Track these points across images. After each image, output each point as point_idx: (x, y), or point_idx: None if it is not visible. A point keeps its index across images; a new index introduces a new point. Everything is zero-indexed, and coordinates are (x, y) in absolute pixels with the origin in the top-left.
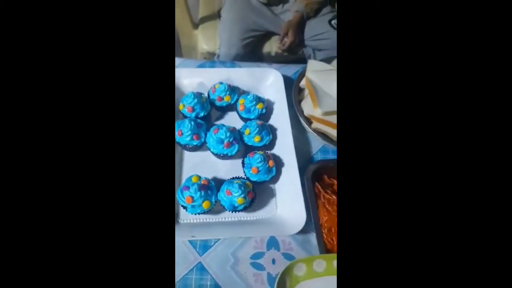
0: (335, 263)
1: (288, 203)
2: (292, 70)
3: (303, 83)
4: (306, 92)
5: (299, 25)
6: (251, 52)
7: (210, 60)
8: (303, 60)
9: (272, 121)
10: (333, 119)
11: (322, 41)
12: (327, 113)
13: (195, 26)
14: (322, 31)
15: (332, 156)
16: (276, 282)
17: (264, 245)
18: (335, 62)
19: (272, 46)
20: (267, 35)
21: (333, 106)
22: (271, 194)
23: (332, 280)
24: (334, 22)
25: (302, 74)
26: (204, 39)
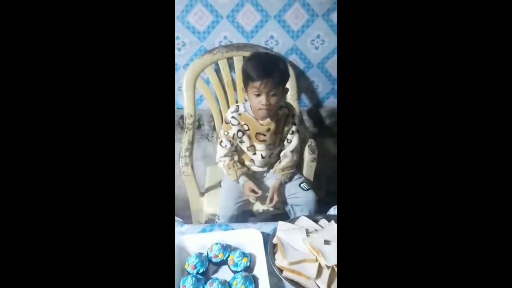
0: None
1: None
2: (269, 227)
3: (275, 240)
4: (277, 246)
5: (280, 189)
6: (243, 212)
7: (213, 219)
8: (285, 214)
9: (255, 272)
10: (299, 267)
11: (297, 199)
12: (292, 263)
13: (202, 194)
14: (295, 191)
15: None
16: None
17: None
18: (298, 222)
19: (258, 206)
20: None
21: (296, 257)
22: None
23: None
24: (303, 185)
25: (274, 231)
26: (209, 204)
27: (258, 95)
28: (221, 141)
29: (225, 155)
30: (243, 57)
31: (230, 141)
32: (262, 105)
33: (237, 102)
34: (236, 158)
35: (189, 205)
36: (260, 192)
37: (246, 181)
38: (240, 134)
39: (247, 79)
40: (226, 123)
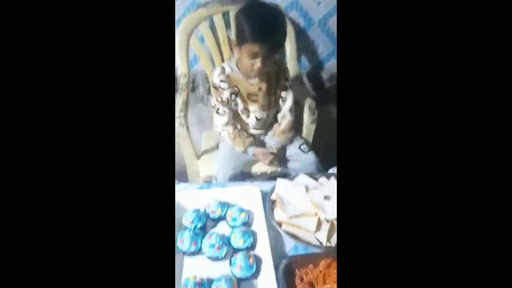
0: None
1: None
2: (268, 186)
3: (273, 196)
4: (276, 202)
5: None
6: (242, 173)
7: (209, 182)
8: (283, 175)
9: (254, 226)
10: (298, 221)
11: (297, 161)
12: (292, 217)
13: (198, 157)
14: (295, 153)
15: (302, 252)
16: None
17: None
18: (297, 179)
19: (256, 168)
20: (254, 161)
21: (296, 211)
22: (253, 287)
23: None
24: (302, 147)
25: (273, 189)
26: (205, 167)
27: (253, 58)
28: (218, 109)
29: (227, 124)
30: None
31: (226, 106)
32: (256, 68)
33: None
34: (239, 126)
35: (185, 168)
36: (273, 155)
37: (255, 150)
38: (233, 97)
39: (243, 37)
40: (216, 88)
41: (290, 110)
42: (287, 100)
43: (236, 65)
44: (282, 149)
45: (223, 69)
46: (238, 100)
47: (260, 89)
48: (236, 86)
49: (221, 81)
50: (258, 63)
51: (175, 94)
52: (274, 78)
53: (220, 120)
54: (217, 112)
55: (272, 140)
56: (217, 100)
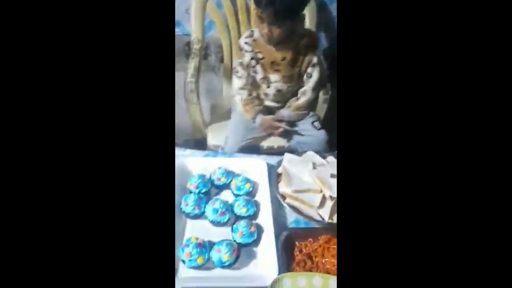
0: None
1: (265, 261)
2: (274, 160)
3: (280, 169)
4: (282, 175)
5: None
6: (249, 147)
7: (215, 151)
8: (290, 151)
9: (257, 197)
10: (302, 196)
11: (308, 137)
12: (296, 191)
13: (206, 125)
14: (307, 129)
15: (303, 226)
16: None
17: None
18: (305, 155)
19: (264, 143)
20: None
21: (301, 186)
22: (253, 254)
23: None
24: (315, 123)
25: (280, 163)
26: (212, 137)
27: (261, 22)
28: (237, 71)
29: (243, 88)
30: None
31: (245, 70)
32: (263, 33)
33: None
34: (255, 94)
35: (192, 136)
36: (281, 127)
37: (263, 118)
38: (253, 62)
39: (259, 2)
40: (240, 49)
41: (313, 88)
42: (313, 77)
43: None
44: (292, 124)
45: (252, 32)
46: (259, 68)
47: (284, 58)
48: (260, 52)
49: (246, 43)
50: (264, 28)
51: (188, 62)
52: (303, 51)
53: (237, 83)
54: (235, 75)
55: (285, 111)
56: (238, 63)
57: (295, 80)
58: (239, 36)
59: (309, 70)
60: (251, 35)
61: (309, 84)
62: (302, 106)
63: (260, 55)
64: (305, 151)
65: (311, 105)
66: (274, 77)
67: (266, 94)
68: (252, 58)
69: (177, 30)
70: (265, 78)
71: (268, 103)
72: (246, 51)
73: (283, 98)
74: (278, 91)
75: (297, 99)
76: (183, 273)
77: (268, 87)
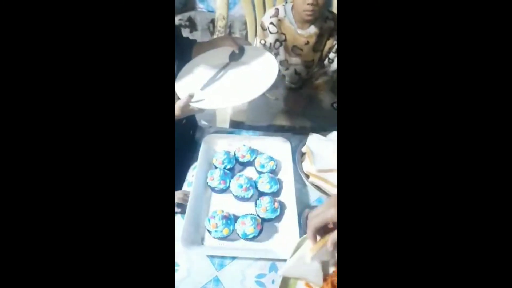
0: None
1: (287, 236)
2: (298, 139)
3: (304, 148)
4: (306, 155)
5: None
6: (271, 126)
7: (239, 128)
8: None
9: (280, 175)
10: (326, 175)
11: (325, 118)
12: (320, 170)
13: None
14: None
15: None
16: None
17: (267, 268)
18: (329, 135)
19: (285, 123)
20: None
21: (325, 165)
22: (275, 228)
23: None
24: (335, 105)
25: (304, 142)
26: (233, 114)
27: None
28: None
29: None
30: None
31: (268, 51)
32: (308, 4)
33: None
34: None
35: (214, 111)
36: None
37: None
38: (277, 44)
39: None
40: (264, 29)
41: (333, 73)
42: (334, 63)
43: (292, 9)
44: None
45: (277, 11)
46: (281, 50)
47: (307, 42)
48: (284, 34)
49: (271, 23)
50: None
51: (212, 37)
52: (326, 36)
53: None
54: None
55: (303, 92)
56: (260, 42)
57: (315, 65)
58: (264, 11)
59: (331, 55)
60: (276, 14)
61: (330, 69)
62: (320, 85)
63: (283, 37)
64: (331, 132)
65: (329, 88)
66: (294, 60)
67: (283, 76)
68: (276, 40)
69: (201, 6)
70: (285, 60)
71: (285, 83)
72: (270, 32)
73: (299, 82)
74: (297, 73)
75: (316, 79)
76: (209, 242)
77: (287, 69)
